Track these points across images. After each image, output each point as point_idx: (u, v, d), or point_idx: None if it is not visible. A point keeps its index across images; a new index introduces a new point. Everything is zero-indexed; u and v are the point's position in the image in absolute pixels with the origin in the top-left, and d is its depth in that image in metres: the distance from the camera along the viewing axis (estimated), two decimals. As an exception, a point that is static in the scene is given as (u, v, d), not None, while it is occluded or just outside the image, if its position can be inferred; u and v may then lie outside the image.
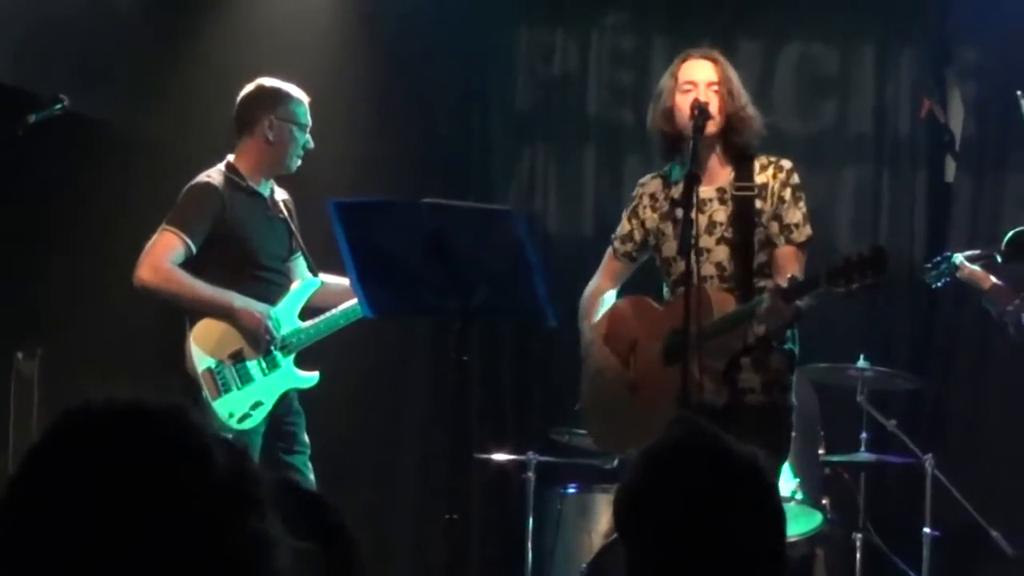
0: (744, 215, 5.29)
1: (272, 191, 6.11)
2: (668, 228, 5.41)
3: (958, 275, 6.39)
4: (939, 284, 6.57)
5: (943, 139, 8.15)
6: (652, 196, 5.51)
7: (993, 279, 6.23)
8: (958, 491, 6.90)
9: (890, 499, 7.66)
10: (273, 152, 6.00)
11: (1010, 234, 6.24)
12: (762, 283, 5.25)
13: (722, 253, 5.28)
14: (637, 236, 5.53)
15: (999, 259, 6.27)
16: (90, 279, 7.23)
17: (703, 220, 5.23)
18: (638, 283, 5.72)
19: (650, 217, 5.49)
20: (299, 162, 6.04)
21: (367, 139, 7.84)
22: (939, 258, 6.61)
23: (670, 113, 5.35)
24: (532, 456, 7.00)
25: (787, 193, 5.31)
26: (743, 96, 5.36)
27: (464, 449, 6.89)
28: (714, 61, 5.39)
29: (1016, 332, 6.09)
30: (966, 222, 7.94)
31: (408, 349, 8.04)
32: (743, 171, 5.35)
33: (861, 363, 6.95)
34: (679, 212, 5.28)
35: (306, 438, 6.06)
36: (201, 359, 5.84)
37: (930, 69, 8.11)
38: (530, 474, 6.98)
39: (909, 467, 7.03)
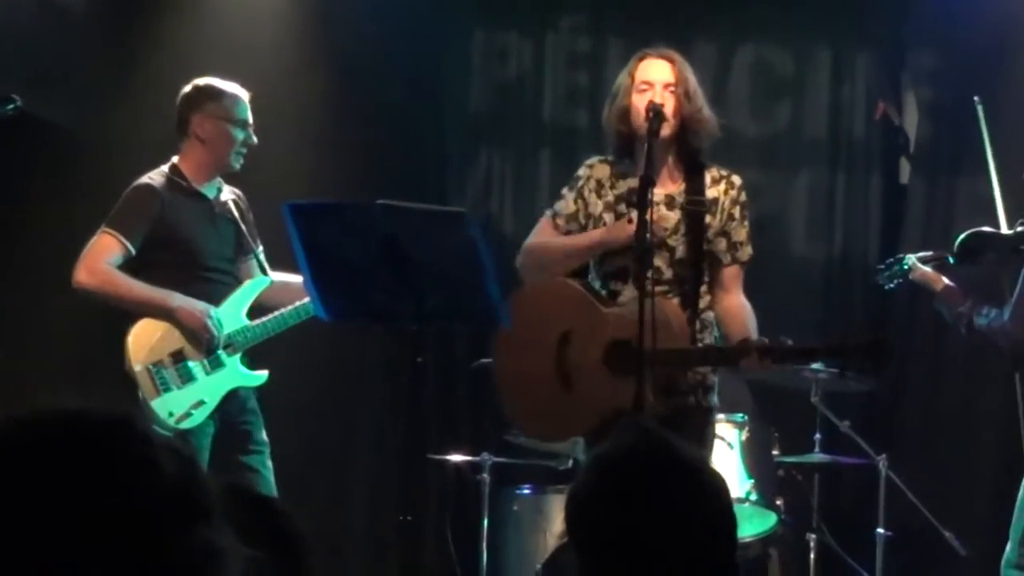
0: (695, 229, 5.29)
1: (219, 191, 6.07)
2: (611, 220, 5.35)
3: (911, 276, 6.40)
4: (892, 286, 6.59)
5: (897, 142, 8.20)
6: (599, 182, 5.42)
7: (945, 280, 6.25)
8: (911, 492, 6.92)
9: (844, 500, 7.71)
10: (209, 150, 5.96)
11: (962, 236, 6.25)
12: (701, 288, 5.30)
13: (660, 258, 5.25)
14: (582, 219, 5.42)
15: (951, 261, 6.29)
16: (39, 281, 7.18)
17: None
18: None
19: (595, 203, 5.40)
20: (242, 160, 5.99)
21: (321, 142, 7.81)
22: (892, 260, 6.63)
23: (626, 112, 5.31)
24: (487, 457, 7.00)
25: (736, 211, 5.35)
26: (699, 98, 5.33)
27: (419, 450, 6.88)
28: (672, 61, 5.35)
29: (967, 333, 6.11)
30: (919, 224, 7.98)
31: (363, 350, 8.01)
32: (694, 183, 5.33)
33: (815, 364, 6.96)
34: (624, 208, 5.29)
35: (264, 437, 6.01)
36: (138, 359, 5.81)
37: (885, 72, 8.15)
38: (485, 475, 6.97)
39: (863, 468, 7.05)
